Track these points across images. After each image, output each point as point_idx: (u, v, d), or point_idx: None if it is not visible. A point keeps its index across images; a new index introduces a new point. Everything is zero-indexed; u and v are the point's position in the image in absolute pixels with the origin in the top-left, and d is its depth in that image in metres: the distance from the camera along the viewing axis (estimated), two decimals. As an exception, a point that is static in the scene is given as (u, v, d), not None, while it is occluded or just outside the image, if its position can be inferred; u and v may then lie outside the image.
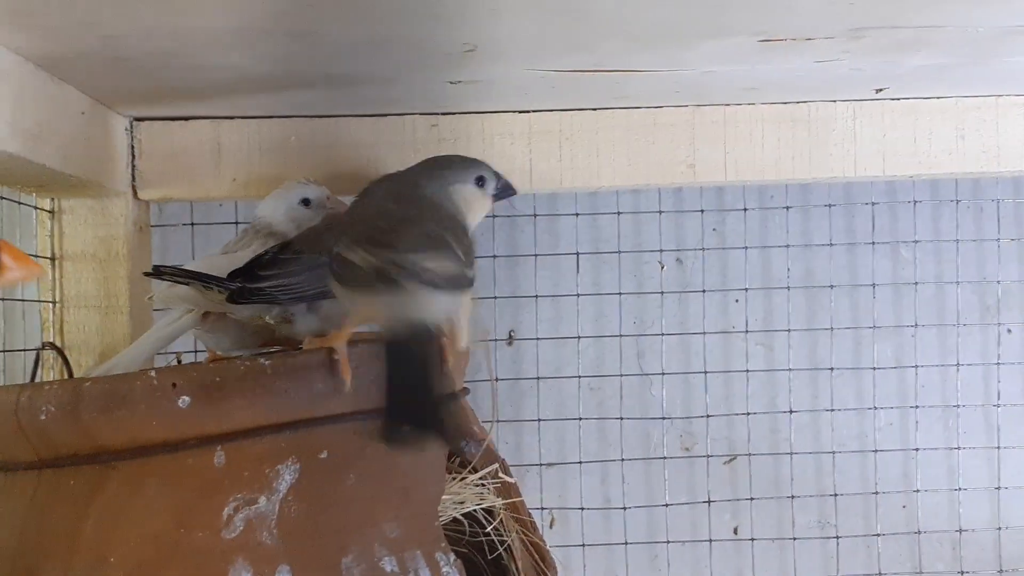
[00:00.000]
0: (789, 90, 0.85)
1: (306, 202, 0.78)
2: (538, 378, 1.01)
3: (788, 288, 1.01)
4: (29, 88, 0.68)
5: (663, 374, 1.01)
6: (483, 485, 0.67)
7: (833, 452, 1.02)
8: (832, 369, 1.02)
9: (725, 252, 1.02)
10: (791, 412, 1.01)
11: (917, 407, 1.02)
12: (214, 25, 0.62)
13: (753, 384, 1.02)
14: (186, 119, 0.87)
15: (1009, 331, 1.03)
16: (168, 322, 0.75)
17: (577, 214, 1.01)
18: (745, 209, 1.01)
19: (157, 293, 0.76)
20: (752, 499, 1.01)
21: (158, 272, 0.62)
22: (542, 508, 1.00)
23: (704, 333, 1.01)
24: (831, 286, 1.01)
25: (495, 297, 1.01)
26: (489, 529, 0.67)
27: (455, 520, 0.65)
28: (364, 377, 0.57)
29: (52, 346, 0.83)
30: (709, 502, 1.02)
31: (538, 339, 1.01)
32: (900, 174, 0.89)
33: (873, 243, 1.01)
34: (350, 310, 0.60)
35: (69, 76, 0.73)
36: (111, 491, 0.54)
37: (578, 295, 1.01)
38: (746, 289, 1.02)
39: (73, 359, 0.83)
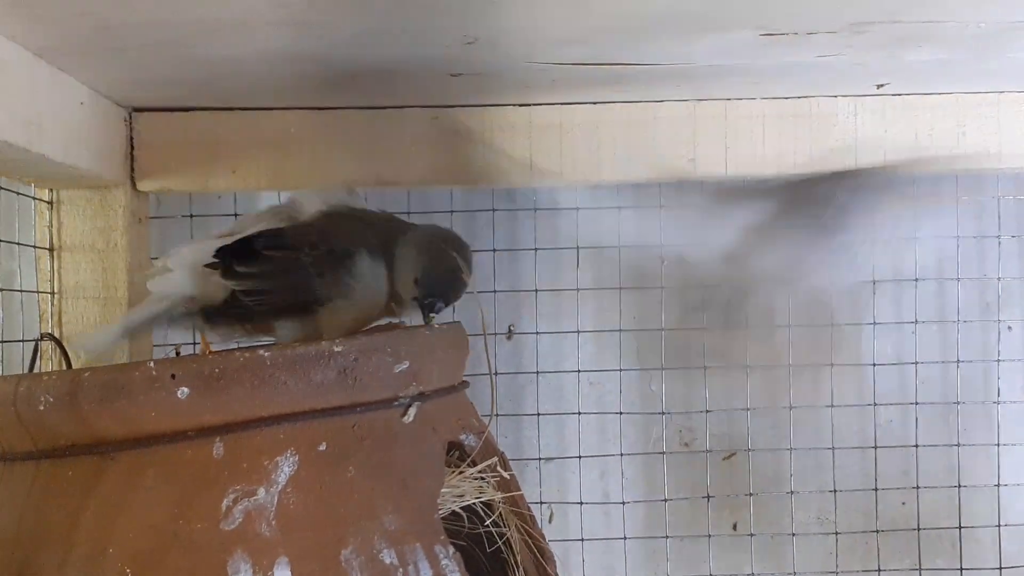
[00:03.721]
0: (790, 85, 0.85)
1: None
2: (537, 372, 1.01)
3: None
4: (28, 78, 0.68)
5: (663, 369, 1.01)
6: (482, 479, 0.67)
7: (833, 448, 1.01)
8: (832, 365, 1.01)
9: (725, 247, 1.02)
10: (791, 408, 1.01)
11: (917, 404, 1.01)
12: (212, 16, 0.62)
13: (753, 380, 1.01)
14: (185, 110, 0.87)
15: (1010, 328, 1.02)
16: (152, 300, 0.74)
17: (577, 208, 1.00)
18: (746, 204, 1.01)
19: (152, 281, 0.75)
20: (751, 495, 1.01)
21: None
22: (541, 502, 1.00)
23: (704, 328, 1.01)
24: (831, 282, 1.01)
25: (495, 291, 1.00)
26: (488, 523, 0.67)
27: (454, 513, 0.65)
28: (363, 370, 0.57)
29: (51, 337, 0.83)
30: (708, 497, 1.01)
31: (538, 333, 1.01)
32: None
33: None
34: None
35: (68, 66, 0.73)
36: (109, 482, 0.54)
37: (578, 289, 1.01)
38: (746, 284, 1.01)
39: (71, 350, 0.83)
